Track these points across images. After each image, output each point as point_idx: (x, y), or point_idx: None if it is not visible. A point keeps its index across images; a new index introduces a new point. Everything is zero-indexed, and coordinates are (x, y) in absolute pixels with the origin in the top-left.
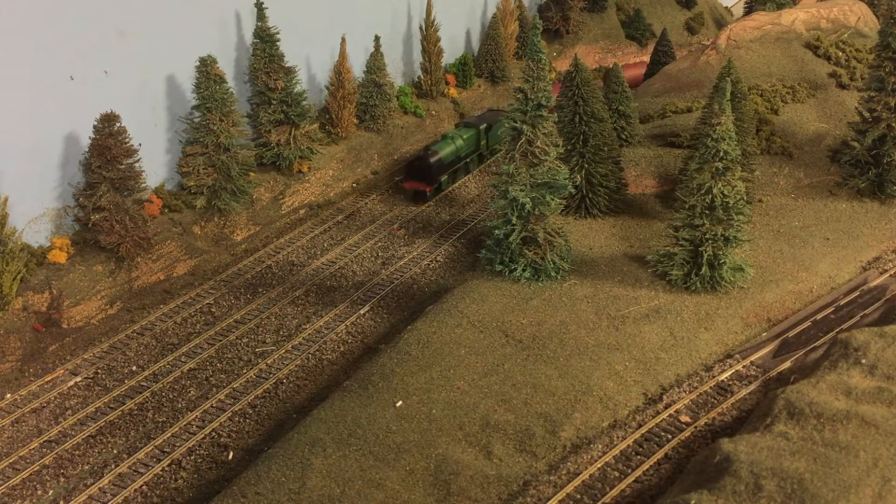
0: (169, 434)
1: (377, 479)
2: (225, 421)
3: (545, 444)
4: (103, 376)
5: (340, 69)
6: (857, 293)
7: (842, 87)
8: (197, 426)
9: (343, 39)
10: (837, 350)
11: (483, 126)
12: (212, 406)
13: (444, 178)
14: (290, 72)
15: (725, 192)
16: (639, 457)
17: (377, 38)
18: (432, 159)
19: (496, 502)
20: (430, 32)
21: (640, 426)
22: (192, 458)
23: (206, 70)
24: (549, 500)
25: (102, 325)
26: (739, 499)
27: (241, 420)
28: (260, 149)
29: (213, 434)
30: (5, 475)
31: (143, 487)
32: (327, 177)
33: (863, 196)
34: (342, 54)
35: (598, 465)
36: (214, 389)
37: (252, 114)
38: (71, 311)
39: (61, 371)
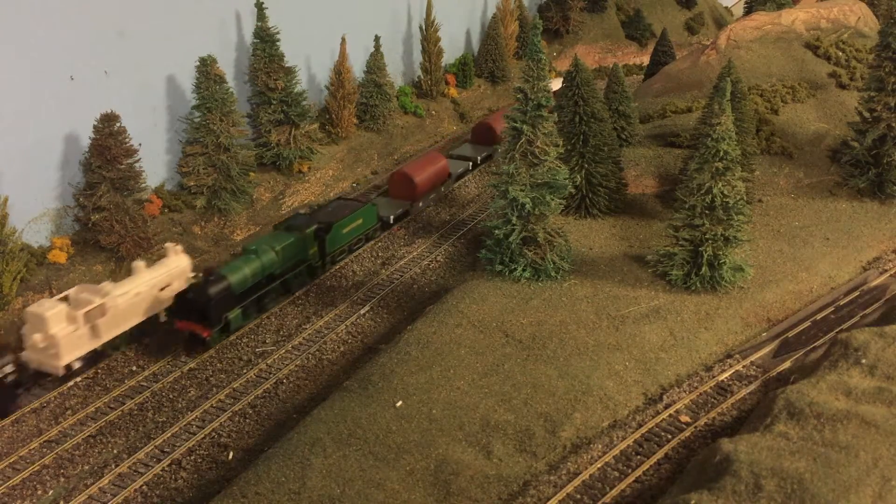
0: (169, 434)
1: (377, 479)
2: (225, 421)
3: (545, 444)
4: (103, 376)
5: (340, 69)
6: (857, 293)
7: (842, 87)
8: (197, 426)
9: (343, 39)
10: (837, 350)
11: (313, 228)
12: (212, 406)
13: (234, 313)
14: (290, 72)
15: (725, 192)
16: (639, 457)
17: (377, 38)
18: (213, 289)
19: (496, 502)
20: (430, 32)
21: (640, 426)
22: (192, 458)
23: (206, 70)
24: (549, 500)
25: None
26: (739, 499)
27: (241, 420)
28: (260, 149)
29: (213, 434)
30: (5, 475)
31: (143, 487)
32: (327, 177)
33: (863, 196)
34: (342, 54)
35: (598, 465)
36: (214, 389)
37: (252, 114)
38: None
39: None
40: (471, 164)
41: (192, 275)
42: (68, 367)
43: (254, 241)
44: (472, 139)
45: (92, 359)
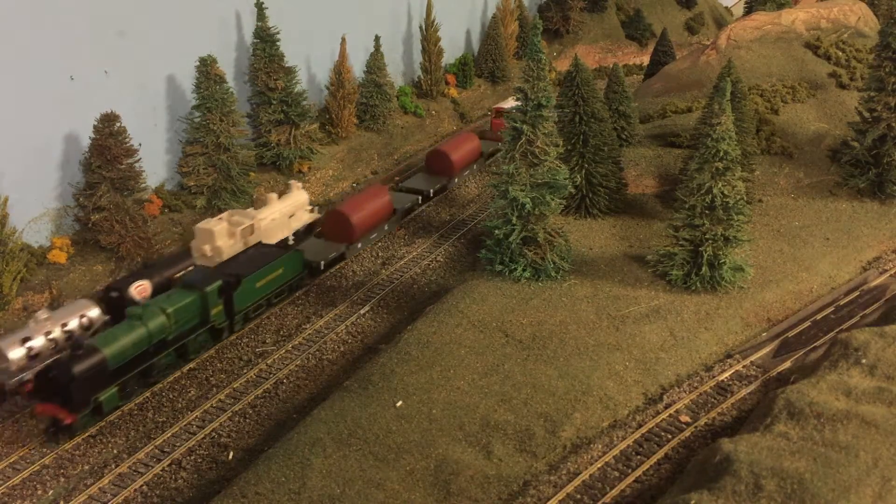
0: (169, 434)
1: (377, 479)
2: (225, 421)
3: (545, 444)
4: None
5: (340, 69)
6: (857, 293)
7: (842, 87)
8: (197, 426)
9: (343, 39)
10: (837, 350)
11: (217, 285)
12: (212, 406)
13: (107, 393)
14: (290, 72)
15: (725, 192)
16: (639, 457)
17: (377, 38)
18: (79, 366)
19: (496, 502)
20: (430, 32)
21: (640, 426)
22: (192, 458)
23: (206, 70)
24: (549, 500)
25: None
26: (739, 499)
27: (241, 420)
28: (260, 149)
29: (213, 434)
30: (5, 475)
31: (143, 487)
32: (327, 177)
33: (863, 196)
34: (342, 54)
35: (598, 465)
36: (214, 389)
37: (252, 114)
38: None
39: None
40: (421, 197)
41: (310, 208)
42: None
43: (153, 301)
44: (426, 168)
45: None
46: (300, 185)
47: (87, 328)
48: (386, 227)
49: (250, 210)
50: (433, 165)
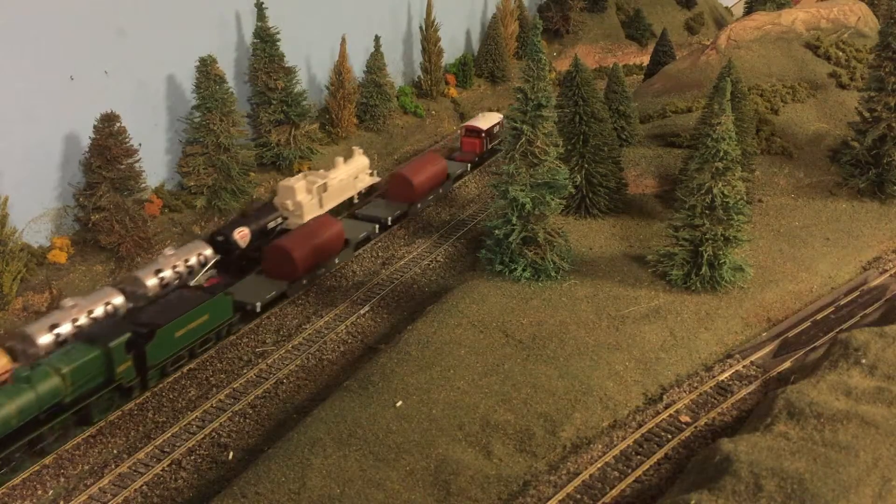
0: (169, 434)
1: (377, 479)
2: (225, 421)
3: (545, 444)
4: None
5: (340, 69)
6: (857, 293)
7: (842, 87)
8: (197, 426)
9: (343, 39)
10: (837, 350)
11: (124, 339)
12: (212, 406)
13: None
14: (290, 72)
15: (725, 192)
16: (639, 457)
17: (377, 38)
18: None
19: (496, 502)
20: (430, 32)
21: (640, 426)
22: (192, 458)
23: (206, 70)
24: (549, 500)
25: None
26: (739, 499)
27: (241, 420)
28: (260, 149)
29: (213, 434)
30: (5, 475)
31: (143, 487)
32: None
33: (863, 196)
34: (342, 54)
35: (598, 465)
36: (214, 389)
37: (252, 114)
38: None
39: None
40: (378, 226)
41: (370, 172)
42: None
43: (44, 360)
44: (387, 193)
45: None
46: (361, 150)
47: (203, 265)
48: (337, 260)
49: (322, 171)
50: (393, 190)
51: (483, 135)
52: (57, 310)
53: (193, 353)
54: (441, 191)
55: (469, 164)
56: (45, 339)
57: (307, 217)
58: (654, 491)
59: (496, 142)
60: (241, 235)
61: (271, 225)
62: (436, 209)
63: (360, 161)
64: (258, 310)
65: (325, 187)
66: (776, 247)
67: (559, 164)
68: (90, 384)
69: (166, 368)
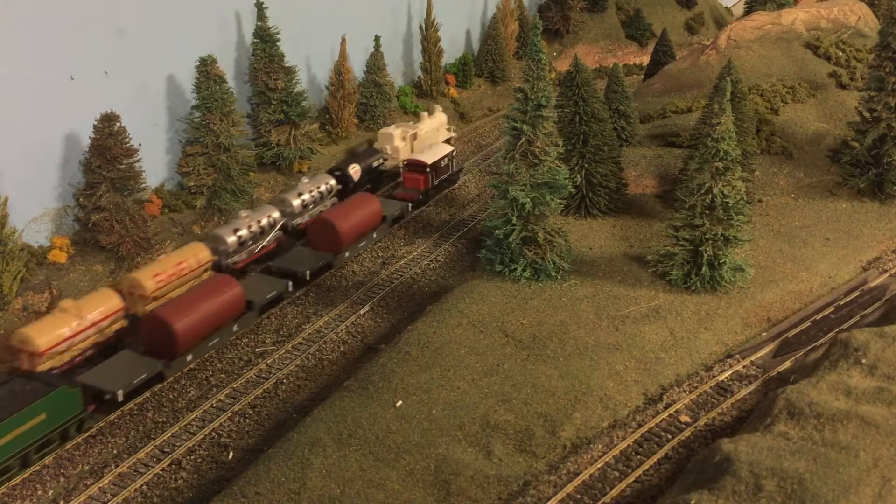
0: (169, 434)
1: (377, 479)
2: (225, 421)
3: (545, 444)
4: None
5: (340, 69)
6: (857, 293)
7: (842, 87)
8: (197, 426)
9: (343, 39)
10: (837, 350)
11: None
12: (212, 406)
13: None
14: (290, 72)
15: (725, 192)
16: (639, 457)
17: (377, 38)
18: None
19: (496, 502)
20: (430, 32)
21: (640, 426)
22: (192, 458)
23: (206, 70)
24: (549, 500)
25: None
26: (739, 499)
27: (241, 420)
28: (260, 149)
29: (213, 434)
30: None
31: (143, 487)
32: None
33: (863, 196)
34: (342, 54)
35: (598, 465)
36: (214, 389)
37: (252, 114)
38: None
39: None
40: (291, 283)
41: (448, 127)
42: (401, 165)
43: None
44: (309, 241)
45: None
46: (440, 107)
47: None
48: (235, 327)
49: (411, 122)
50: (315, 238)
51: (428, 170)
52: (236, 218)
53: (27, 460)
54: (375, 236)
55: (410, 204)
56: (230, 238)
57: (401, 158)
58: (654, 491)
59: (444, 176)
60: (355, 171)
61: (375, 164)
62: (436, 209)
63: (440, 117)
64: (121, 398)
65: (415, 136)
66: (776, 247)
67: (559, 164)
68: None
69: (12, 469)
